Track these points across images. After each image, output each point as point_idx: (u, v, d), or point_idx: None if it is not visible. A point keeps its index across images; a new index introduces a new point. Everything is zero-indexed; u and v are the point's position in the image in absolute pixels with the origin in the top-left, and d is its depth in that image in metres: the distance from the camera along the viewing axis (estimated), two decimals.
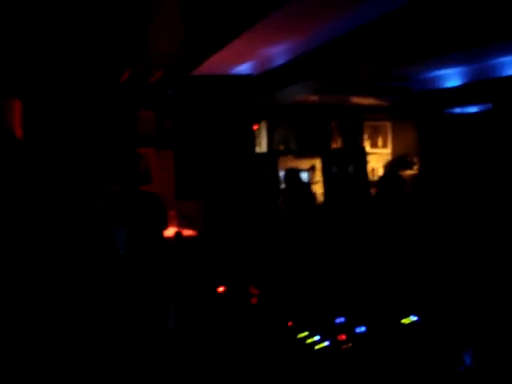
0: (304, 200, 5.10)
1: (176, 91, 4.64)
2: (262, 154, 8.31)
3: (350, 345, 2.90)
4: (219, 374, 2.94)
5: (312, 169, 8.59)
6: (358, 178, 5.02)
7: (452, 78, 7.72)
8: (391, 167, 8.89)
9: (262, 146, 8.47)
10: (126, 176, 3.91)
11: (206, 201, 4.82)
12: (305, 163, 8.63)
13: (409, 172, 8.89)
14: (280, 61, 6.50)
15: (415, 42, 5.33)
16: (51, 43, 4.77)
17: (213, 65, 6.18)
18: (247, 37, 5.41)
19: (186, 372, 3.10)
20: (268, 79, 6.70)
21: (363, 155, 5.88)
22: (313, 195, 6.19)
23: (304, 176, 8.16)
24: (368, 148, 8.70)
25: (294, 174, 6.35)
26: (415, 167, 8.92)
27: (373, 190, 8.07)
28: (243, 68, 6.76)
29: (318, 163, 8.54)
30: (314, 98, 7.86)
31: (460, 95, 7.83)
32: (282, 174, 8.25)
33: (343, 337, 2.96)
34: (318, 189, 8.34)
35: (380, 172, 9.00)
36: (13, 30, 4.40)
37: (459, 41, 5.32)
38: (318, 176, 8.47)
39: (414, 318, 3.18)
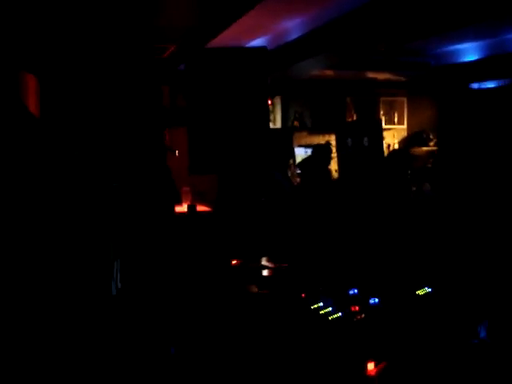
0: (322, 174, 5.04)
1: (189, 66, 4.59)
2: (276, 130, 8.26)
3: (364, 316, 2.89)
4: (233, 343, 2.94)
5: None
6: (373, 151, 4.96)
7: (471, 52, 7.59)
8: (406, 144, 8.82)
9: (277, 122, 8.42)
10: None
11: (220, 174, 4.79)
12: (319, 139, 8.57)
13: (425, 148, 8.81)
14: (295, 35, 6.43)
15: (432, 13, 5.24)
16: (64, 14, 4.74)
17: (227, 40, 6.13)
18: (261, 10, 5.35)
19: (199, 343, 3.11)
20: (282, 53, 6.64)
21: (379, 127, 5.80)
22: (330, 171, 6.12)
23: None
24: (384, 124, 8.60)
25: (323, 148, 6.26)
26: (431, 143, 8.83)
27: None
28: (257, 42, 6.71)
29: (332, 140, 8.47)
30: (329, 73, 7.78)
31: (479, 70, 7.70)
32: (296, 150, 8.21)
33: (356, 308, 2.95)
34: (333, 165, 8.30)
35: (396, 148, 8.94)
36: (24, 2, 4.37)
37: (478, 12, 5.23)
38: (333, 152, 8.41)
39: (428, 290, 3.16)
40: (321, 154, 5.76)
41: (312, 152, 5.88)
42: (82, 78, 5.78)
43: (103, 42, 5.77)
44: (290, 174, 7.14)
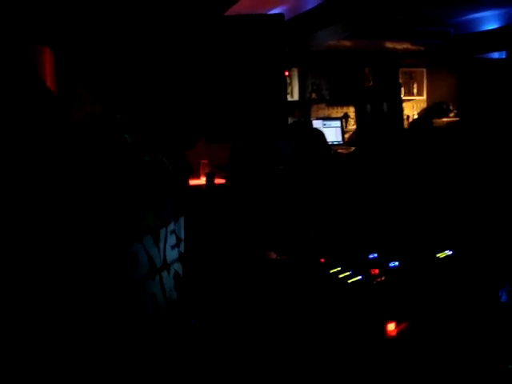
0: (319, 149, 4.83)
1: (206, 34, 4.52)
2: (294, 102, 8.20)
3: (383, 278, 2.87)
4: (253, 308, 2.95)
5: (345, 117, 8.47)
6: (392, 117, 4.88)
7: (491, 20, 7.45)
8: (425, 115, 8.71)
9: (294, 95, 8.36)
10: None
11: (236, 143, 4.77)
12: (338, 111, 8.51)
13: (445, 119, 8.70)
14: (312, 4, 6.35)
15: None
16: None
17: (243, 11, 6.07)
18: None
19: (220, 311, 3.11)
20: (300, 23, 6.57)
21: (398, 91, 5.70)
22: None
23: (336, 124, 8.05)
24: (403, 95, 8.50)
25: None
26: (451, 114, 8.72)
27: None
28: (274, 12, 6.63)
29: (351, 111, 8.41)
30: (347, 43, 7.70)
31: (499, 39, 7.55)
32: (314, 122, 8.15)
33: (376, 271, 2.93)
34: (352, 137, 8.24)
35: None
36: None
37: None
38: (352, 124, 8.35)
39: (449, 253, 3.12)
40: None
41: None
42: (100, 50, 5.77)
43: (119, 12, 5.75)
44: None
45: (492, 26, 7.46)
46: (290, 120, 7.74)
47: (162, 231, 1.72)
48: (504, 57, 8.40)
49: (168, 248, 1.71)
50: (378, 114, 5.01)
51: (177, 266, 1.85)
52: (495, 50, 8.12)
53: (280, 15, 4.79)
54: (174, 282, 1.82)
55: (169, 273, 1.82)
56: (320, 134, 4.84)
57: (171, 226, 1.81)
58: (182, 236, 1.94)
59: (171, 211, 1.87)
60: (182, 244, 1.92)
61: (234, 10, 6.02)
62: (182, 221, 1.96)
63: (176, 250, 1.81)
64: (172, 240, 1.76)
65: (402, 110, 5.31)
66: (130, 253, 1.62)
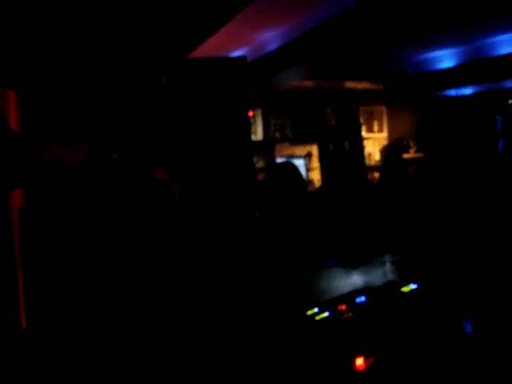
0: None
1: (169, 77, 4.62)
2: (257, 142, 8.31)
3: (351, 314, 2.91)
4: (225, 348, 2.95)
5: (308, 155, 8.60)
6: (354, 155, 5.00)
7: (446, 59, 7.72)
8: (390, 151, 8.89)
9: (258, 134, 8.47)
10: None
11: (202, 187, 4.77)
12: (301, 150, 8.64)
13: (405, 155, 8.89)
14: (273, 46, 6.51)
15: (408, 20, 5.35)
16: (43, 30, 4.75)
17: (205, 52, 6.18)
18: (239, 21, 5.42)
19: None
20: (262, 64, 6.71)
21: (358, 129, 5.87)
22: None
23: (300, 163, 8.16)
24: (364, 133, 8.68)
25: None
26: (411, 150, 8.93)
27: (370, 175, 8.08)
28: (237, 54, 6.77)
29: (314, 150, 8.54)
30: (308, 83, 7.85)
31: (455, 77, 7.82)
32: (278, 160, 8.26)
33: (343, 307, 2.97)
34: (315, 175, 8.36)
35: (377, 157, 9.02)
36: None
37: (452, 18, 5.34)
38: (315, 162, 8.47)
39: (413, 286, 3.19)
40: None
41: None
42: (63, 92, 5.78)
43: (82, 57, 5.79)
44: None
45: (447, 64, 7.72)
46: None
47: None
48: (460, 94, 8.71)
49: None
50: (340, 152, 5.12)
51: None
52: (450, 88, 8.39)
53: (243, 58, 4.90)
54: None
55: None
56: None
57: None
58: None
59: None
60: None
61: (197, 54, 6.12)
62: None
63: None
64: None
65: (362, 148, 5.45)
66: None
